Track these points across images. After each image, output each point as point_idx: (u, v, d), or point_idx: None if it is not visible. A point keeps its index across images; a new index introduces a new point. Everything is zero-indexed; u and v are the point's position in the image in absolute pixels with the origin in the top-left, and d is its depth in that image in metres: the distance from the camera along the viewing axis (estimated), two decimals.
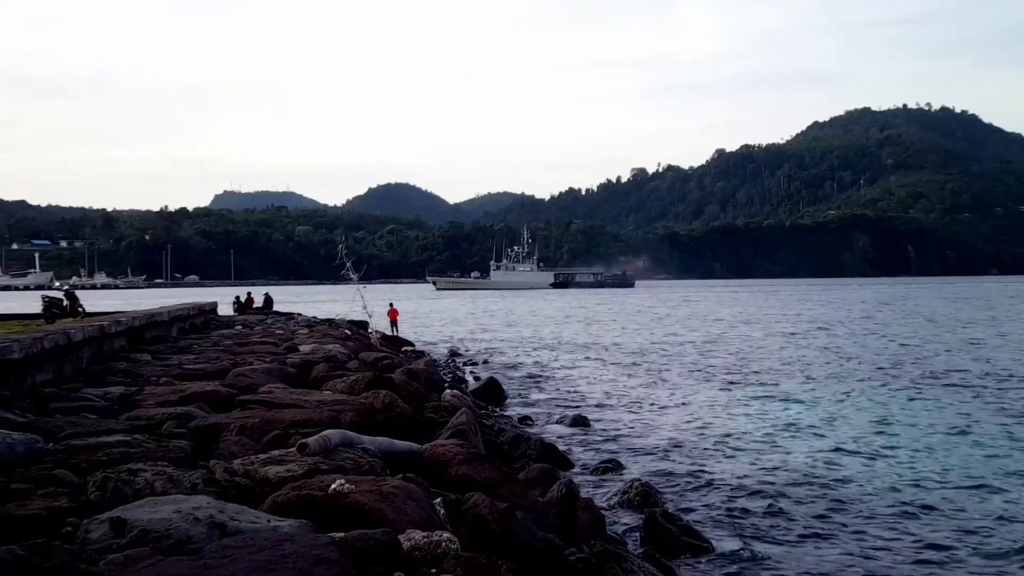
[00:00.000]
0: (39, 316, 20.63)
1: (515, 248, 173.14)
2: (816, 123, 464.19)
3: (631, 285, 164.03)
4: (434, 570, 4.36)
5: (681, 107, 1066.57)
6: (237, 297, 40.52)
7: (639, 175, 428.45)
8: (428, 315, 64.00)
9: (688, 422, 16.22)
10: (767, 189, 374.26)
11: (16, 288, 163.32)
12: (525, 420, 16.16)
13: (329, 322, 32.58)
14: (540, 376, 24.24)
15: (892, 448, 13.49)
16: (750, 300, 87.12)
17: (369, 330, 29.09)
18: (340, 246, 32.46)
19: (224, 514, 4.42)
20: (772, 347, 32.34)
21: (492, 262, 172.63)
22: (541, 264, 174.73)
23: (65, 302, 20.74)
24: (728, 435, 14.74)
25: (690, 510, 9.85)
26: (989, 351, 29.20)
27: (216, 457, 6.30)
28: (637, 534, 8.31)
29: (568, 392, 20.78)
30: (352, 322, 31.76)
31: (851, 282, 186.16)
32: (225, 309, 36.62)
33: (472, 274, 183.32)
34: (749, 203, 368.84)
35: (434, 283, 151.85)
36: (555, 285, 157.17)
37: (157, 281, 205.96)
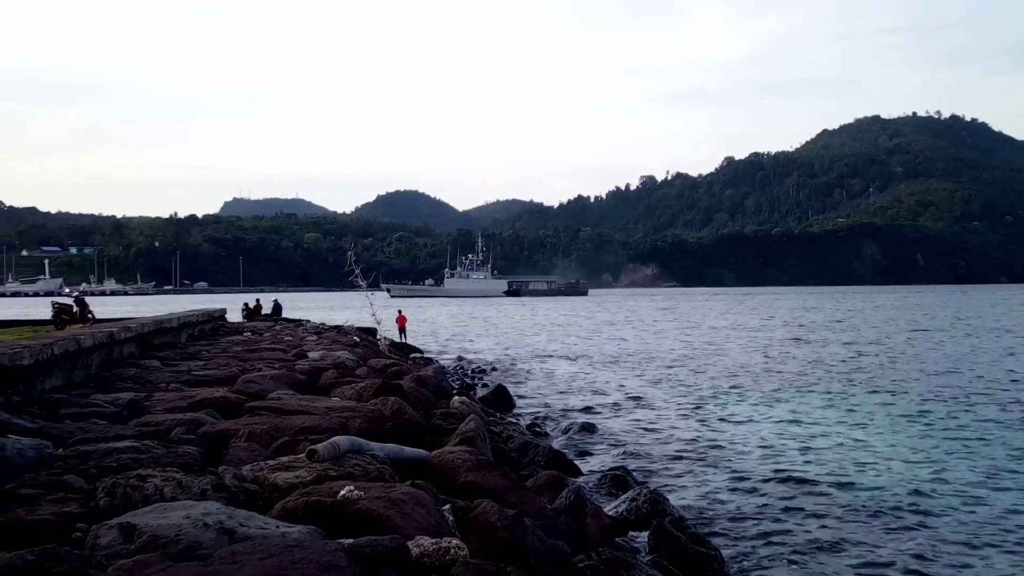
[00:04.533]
0: (49, 322, 20.71)
1: (469, 256, 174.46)
2: (825, 131, 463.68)
3: (584, 293, 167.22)
4: None
5: (690, 115, 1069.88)
6: (246, 304, 40.62)
7: (648, 183, 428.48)
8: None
9: (696, 430, 16.16)
10: (776, 197, 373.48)
11: (26, 294, 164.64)
12: (533, 427, 16.13)
13: (338, 329, 32.64)
14: (547, 384, 24.21)
15: (903, 453, 13.41)
16: (730, 308, 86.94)
17: (378, 337, 29.14)
18: (349, 253, 32.60)
19: (233, 520, 4.41)
20: (767, 354, 32.23)
21: (446, 270, 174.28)
22: (495, 272, 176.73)
23: (75, 308, 20.80)
24: (736, 443, 14.69)
25: (698, 518, 9.82)
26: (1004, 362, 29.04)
27: (225, 463, 6.29)
28: (645, 542, 8.27)
29: (575, 400, 20.73)
30: (361, 329, 31.83)
31: (854, 290, 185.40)
32: (234, 316, 36.70)
33: (426, 281, 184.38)
34: (758, 211, 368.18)
35: (388, 290, 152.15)
36: (508, 293, 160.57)
37: (166, 288, 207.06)
